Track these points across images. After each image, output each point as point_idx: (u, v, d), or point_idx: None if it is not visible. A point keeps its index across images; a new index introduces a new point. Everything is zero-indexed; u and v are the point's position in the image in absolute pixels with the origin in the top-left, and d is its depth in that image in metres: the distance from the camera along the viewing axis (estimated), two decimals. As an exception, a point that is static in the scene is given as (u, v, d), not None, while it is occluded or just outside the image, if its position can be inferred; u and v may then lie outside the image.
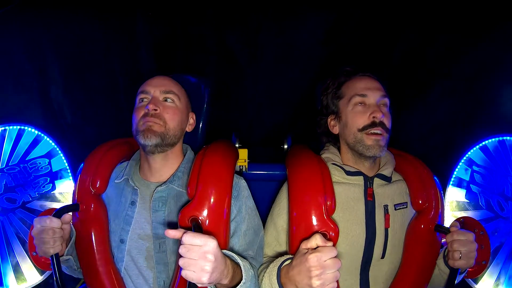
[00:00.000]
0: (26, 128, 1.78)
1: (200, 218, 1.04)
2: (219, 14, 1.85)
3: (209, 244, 0.86)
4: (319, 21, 1.83)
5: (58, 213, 1.10)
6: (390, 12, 1.77)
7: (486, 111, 1.75)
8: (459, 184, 1.75)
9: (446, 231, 1.13)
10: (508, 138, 1.69)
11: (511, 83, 1.69)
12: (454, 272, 1.11)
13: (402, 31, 1.78)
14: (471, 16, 1.67)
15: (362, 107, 1.19)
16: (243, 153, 1.66)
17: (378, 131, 1.16)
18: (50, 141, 1.80)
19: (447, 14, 1.71)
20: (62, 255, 1.15)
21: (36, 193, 1.77)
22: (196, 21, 1.86)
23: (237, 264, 1.01)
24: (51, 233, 1.05)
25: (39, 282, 1.75)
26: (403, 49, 1.82)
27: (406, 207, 1.23)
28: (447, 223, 1.62)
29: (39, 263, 1.26)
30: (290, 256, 1.05)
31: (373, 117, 1.16)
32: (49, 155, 1.79)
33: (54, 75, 1.85)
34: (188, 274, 0.86)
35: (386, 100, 1.21)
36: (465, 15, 1.67)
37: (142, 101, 1.19)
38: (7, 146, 1.75)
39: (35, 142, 1.78)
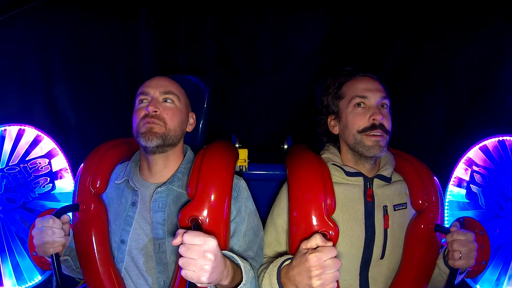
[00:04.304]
0: (26, 128, 1.78)
1: (200, 218, 1.04)
2: (219, 20, 1.86)
3: (209, 243, 0.86)
4: (316, 28, 1.86)
5: (58, 213, 1.10)
6: (383, 15, 1.78)
7: (486, 111, 1.75)
8: (459, 184, 1.75)
9: (446, 231, 1.13)
10: (508, 138, 1.69)
11: (510, 82, 1.69)
12: (454, 272, 1.11)
13: (396, 33, 1.80)
14: (465, 15, 1.67)
15: (362, 108, 1.19)
16: (243, 153, 1.65)
17: (378, 133, 1.16)
18: (50, 141, 1.80)
19: (439, 14, 1.71)
20: (61, 256, 1.15)
21: (36, 193, 1.77)
22: (196, 27, 1.88)
23: (237, 265, 1.01)
24: (51, 233, 1.06)
25: (39, 282, 1.75)
26: (399, 50, 1.83)
27: (406, 207, 1.23)
28: (447, 223, 1.62)
29: (39, 263, 1.26)
30: (290, 256, 1.05)
31: (373, 119, 1.16)
32: (49, 155, 1.79)
33: (56, 75, 1.85)
34: (188, 273, 0.86)
35: (386, 102, 1.21)
36: (459, 14, 1.68)
37: (142, 102, 1.19)
38: (7, 146, 1.75)
39: (35, 142, 1.78)
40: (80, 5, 1.75)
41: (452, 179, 1.76)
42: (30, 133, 1.78)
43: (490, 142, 1.71)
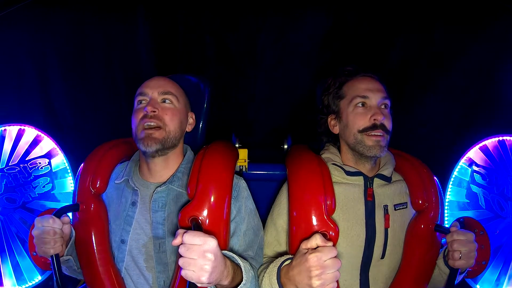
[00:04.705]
0: (26, 128, 1.78)
1: (200, 218, 1.04)
2: (219, 17, 1.86)
3: (209, 243, 0.86)
4: (317, 25, 1.85)
5: (58, 213, 1.10)
6: (386, 13, 1.78)
7: (486, 111, 1.75)
8: (459, 184, 1.75)
9: (446, 231, 1.13)
10: (508, 138, 1.69)
11: (510, 82, 1.69)
12: (454, 272, 1.11)
13: (398, 32, 1.79)
14: (468, 15, 1.67)
15: (363, 108, 1.19)
16: (243, 153, 1.66)
17: (379, 133, 1.16)
18: (50, 141, 1.80)
19: (443, 13, 1.71)
20: (62, 256, 1.15)
21: (36, 193, 1.77)
22: (196, 25, 1.87)
23: (238, 265, 1.01)
24: (52, 233, 1.06)
25: (39, 282, 1.75)
26: (401, 49, 1.82)
27: (406, 207, 1.23)
28: (447, 223, 1.62)
29: (39, 263, 1.26)
30: (290, 256, 1.05)
31: (374, 119, 1.17)
32: (49, 155, 1.79)
33: (55, 75, 1.85)
34: (188, 273, 0.85)
35: (387, 102, 1.21)
36: (462, 14, 1.68)
37: (141, 103, 1.19)
38: (7, 146, 1.75)
39: (35, 142, 1.78)
40: (77, 4, 1.75)
41: (452, 179, 1.76)
42: (30, 133, 1.78)
43: (490, 142, 1.72)
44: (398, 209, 1.21)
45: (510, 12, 1.57)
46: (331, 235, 1.06)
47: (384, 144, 1.17)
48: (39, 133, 1.79)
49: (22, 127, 1.78)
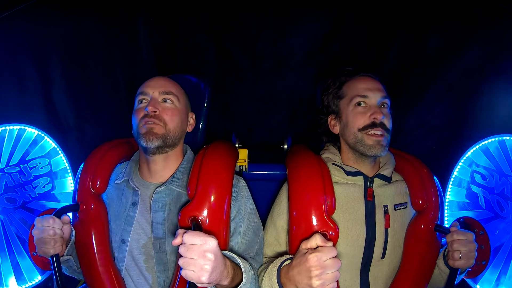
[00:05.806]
0: (26, 128, 1.78)
1: (200, 218, 1.04)
2: (219, 18, 1.86)
3: (209, 243, 0.86)
4: (316, 26, 1.85)
5: (59, 213, 1.10)
6: (384, 15, 1.78)
7: (486, 111, 1.75)
8: (459, 184, 1.75)
9: (446, 231, 1.14)
10: (508, 138, 1.69)
11: (510, 82, 1.69)
12: (454, 272, 1.11)
13: (397, 33, 1.80)
14: (467, 14, 1.67)
15: (363, 108, 1.20)
16: (243, 153, 1.66)
17: (379, 132, 1.16)
18: (50, 141, 1.80)
19: (441, 14, 1.71)
20: (62, 255, 1.15)
21: (36, 193, 1.77)
22: (196, 26, 1.87)
23: (237, 265, 1.01)
24: (52, 233, 1.06)
25: (39, 282, 1.75)
26: (400, 50, 1.82)
27: (406, 207, 1.23)
28: (447, 223, 1.62)
29: (39, 263, 1.27)
30: (290, 256, 1.05)
31: (374, 118, 1.17)
32: (49, 155, 1.79)
33: (56, 75, 1.85)
34: (188, 273, 0.86)
35: (387, 101, 1.21)
36: (461, 13, 1.68)
37: (141, 102, 1.19)
38: (7, 146, 1.75)
39: (35, 142, 1.78)
40: (78, 4, 1.75)
41: (452, 179, 1.76)
42: (30, 133, 1.78)
43: (490, 142, 1.71)
44: (398, 209, 1.21)
45: (507, 12, 1.57)
46: (331, 235, 1.06)
47: (384, 143, 1.17)
48: (39, 133, 1.79)
49: (22, 127, 1.78)
